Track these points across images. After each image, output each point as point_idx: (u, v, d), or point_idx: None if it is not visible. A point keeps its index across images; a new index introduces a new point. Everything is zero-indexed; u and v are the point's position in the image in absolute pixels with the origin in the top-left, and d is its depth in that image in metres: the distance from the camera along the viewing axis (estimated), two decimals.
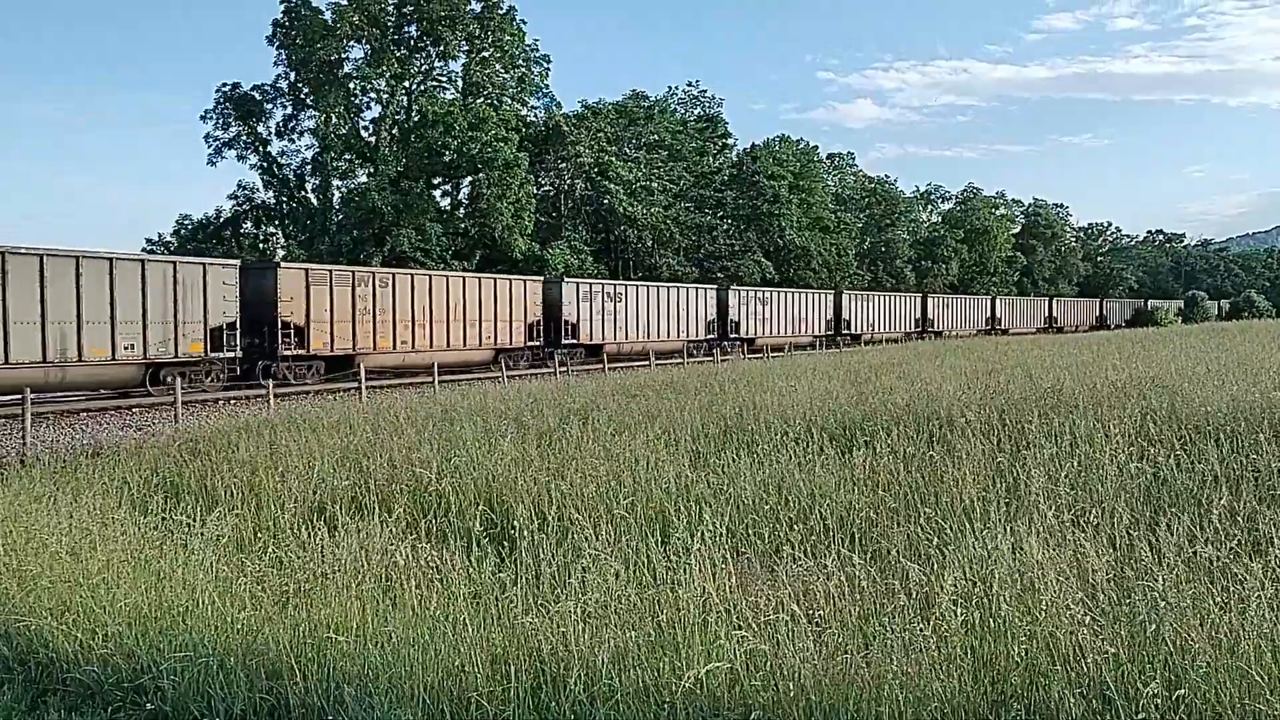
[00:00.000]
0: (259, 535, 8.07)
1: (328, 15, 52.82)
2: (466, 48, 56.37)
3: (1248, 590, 5.03)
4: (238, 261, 28.75)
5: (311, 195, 56.81)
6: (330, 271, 30.38)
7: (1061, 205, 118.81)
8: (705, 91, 77.31)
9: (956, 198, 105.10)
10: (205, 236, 54.93)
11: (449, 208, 57.06)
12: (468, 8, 54.48)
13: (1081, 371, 16.41)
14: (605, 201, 60.37)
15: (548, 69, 59.57)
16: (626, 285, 43.55)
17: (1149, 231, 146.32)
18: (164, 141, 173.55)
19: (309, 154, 56.17)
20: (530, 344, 36.64)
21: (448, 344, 32.92)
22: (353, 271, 31.51)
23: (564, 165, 60.91)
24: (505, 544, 7.43)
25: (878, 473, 8.46)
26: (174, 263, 25.83)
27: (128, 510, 9.09)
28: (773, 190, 69.97)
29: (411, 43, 55.08)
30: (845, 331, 56.00)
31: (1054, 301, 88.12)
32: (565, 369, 30.00)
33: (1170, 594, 5.05)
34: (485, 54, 56.66)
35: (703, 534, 6.55)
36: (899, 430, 10.02)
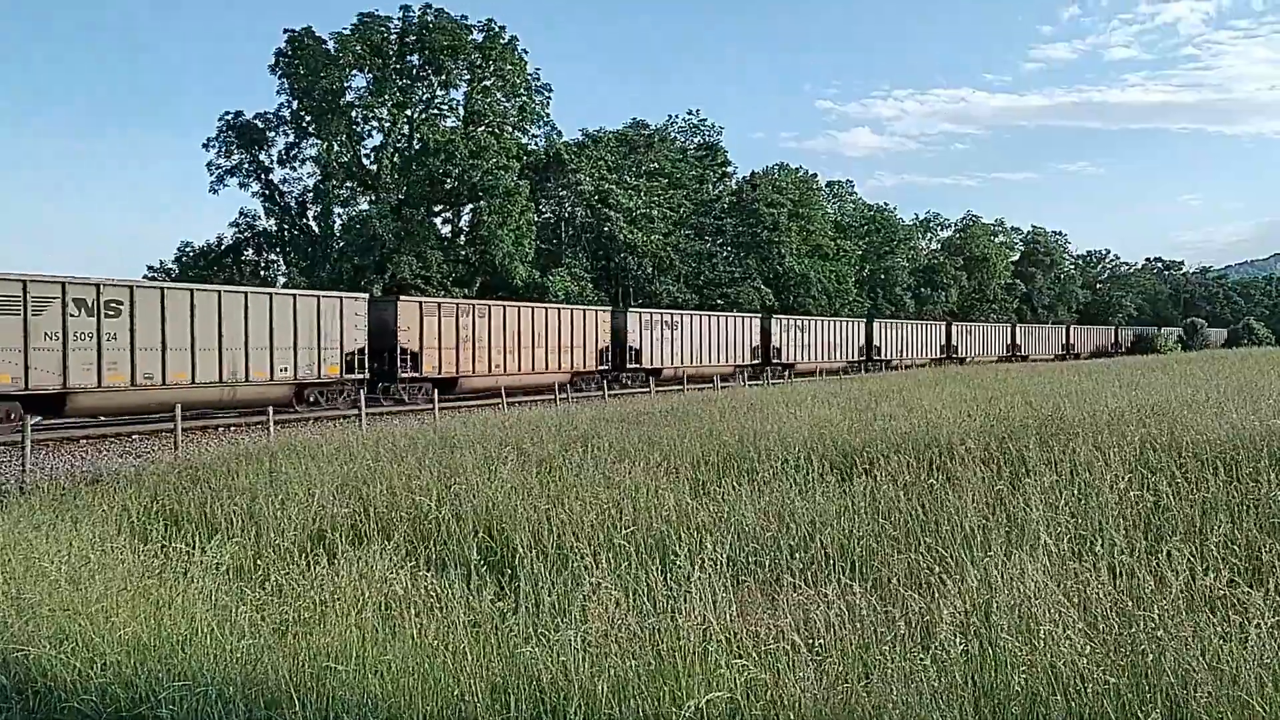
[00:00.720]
0: (259, 563, 8.06)
1: (330, 45, 53.29)
2: (468, 76, 56.82)
3: (1249, 620, 5.02)
4: (367, 295, 33.35)
5: (313, 222, 57.07)
6: (439, 304, 34.07)
7: (1060, 233, 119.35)
8: (705, 120, 77.98)
9: (955, 225, 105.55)
10: (207, 264, 55.13)
11: (450, 235, 57.29)
12: (470, 38, 54.96)
13: (1081, 399, 16.41)
14: (606, 229, 60.63)
15: (549, 98, 60.10)
16: (683, 314, 46.79)
17: (1147, 259, 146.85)
18: (165, 171, 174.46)
19: (311, 181, 56.60)
20: (600, 368, 39.99)
21: (533, 368, 36.53)
22: (456, 303, 35.07)
23: (564, 193, 61.23)
24: (505, 572, 7.42)
25: (878, 500, 8.45)
26: (317, 297, 29.61)
27: (127, 538, 9.07)
28: (772, 218, 70.27)
29: (413, 72, 55.52)
30: (877, 357, 59.88)
31: (1070, 329, 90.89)
32: (611, 391, 33.88)
33: (1171, 623, 5.04)
34: (487, 83, 57.10)
35: (703, 562, 6.55)
36: (899, 458, 10.02)
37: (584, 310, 40.46)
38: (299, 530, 9.11)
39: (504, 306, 36.55)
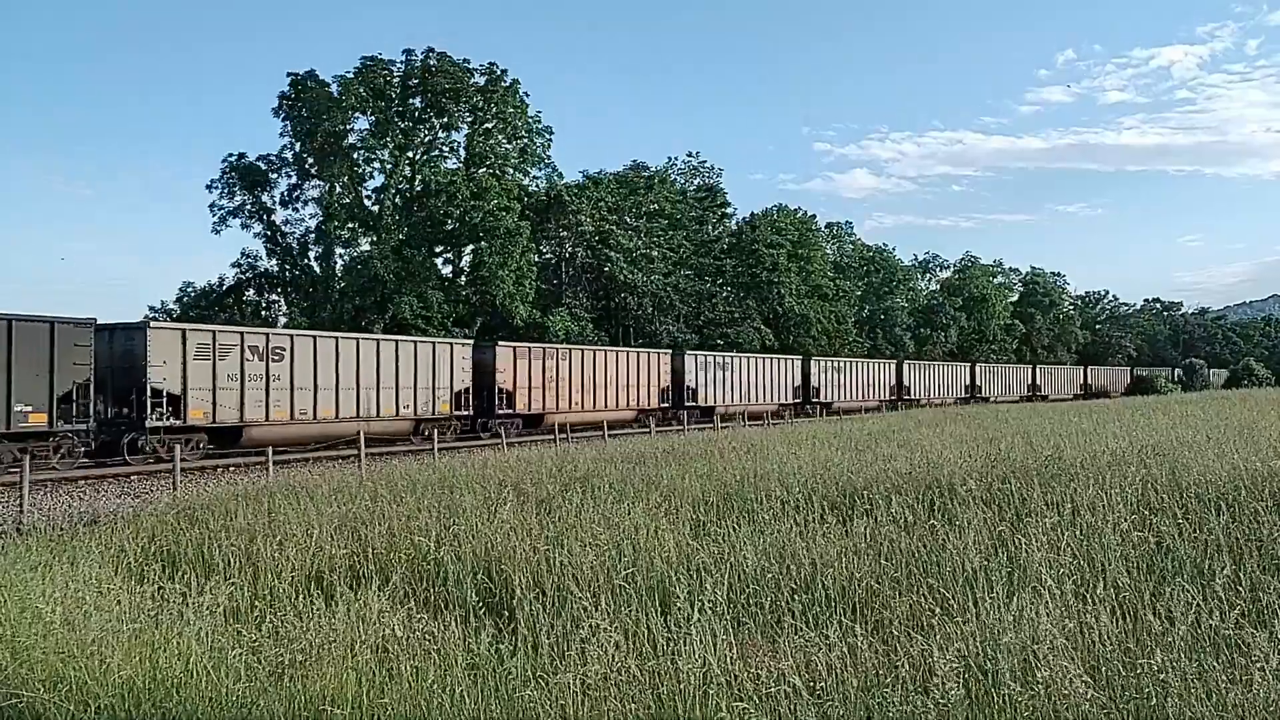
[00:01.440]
0: (256, 605, 8.00)
1: (334, 88, 53.83)
2: (470, 119, 57.32)
3: (1253, 662, 4.98)
4: (473, 342, 37.08)
5: (314, 263, 57.32)
6: (529, 348, 37.61)
7: (1058, 274, 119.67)
8: (705, 162, 78.66)
9: (954, 266, 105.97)
10: (208, 304, 55.27)
11: (451, 275, 57.50)
12: (471, 81, 55.50)
13: (1082, 439, 16.37)
14: (606, 269, 60.86)
15: (550, 140, 60.58)
16: (733, 356, 50.53)
17: (1146, 300, 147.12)
18: (166, 212, 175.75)
19: (312, 222, 56.92)
20: (663, 405, 43.94)
21: (605, 405, 39.86)
22: (544, 348, 38.59)
23: (565, 233, 61.52)
24: (504, 614, 7.37)
25: (879, 541, 8.40)
26: (433, 343, 33.66)
27: (124, 579, 9.01)
28: (772, 258, 70.58)
29: (415, 114, 56.02)
30: (907, 396, 63.25)
31: (1088, 369, 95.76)
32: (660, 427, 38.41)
33: (1175, 665, 5.00)
34: (488, 125, 57.60)
35: (703, 604, 6.50)
36: (899, 498, 9.98)
37: (649, 353, 44.55)
38: (297, 571, 9.05)
39: (582, 350, 40.36)
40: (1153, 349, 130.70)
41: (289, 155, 56.07)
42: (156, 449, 24.10)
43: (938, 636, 5.83)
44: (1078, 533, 8.04)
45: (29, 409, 21.16)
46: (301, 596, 7.76)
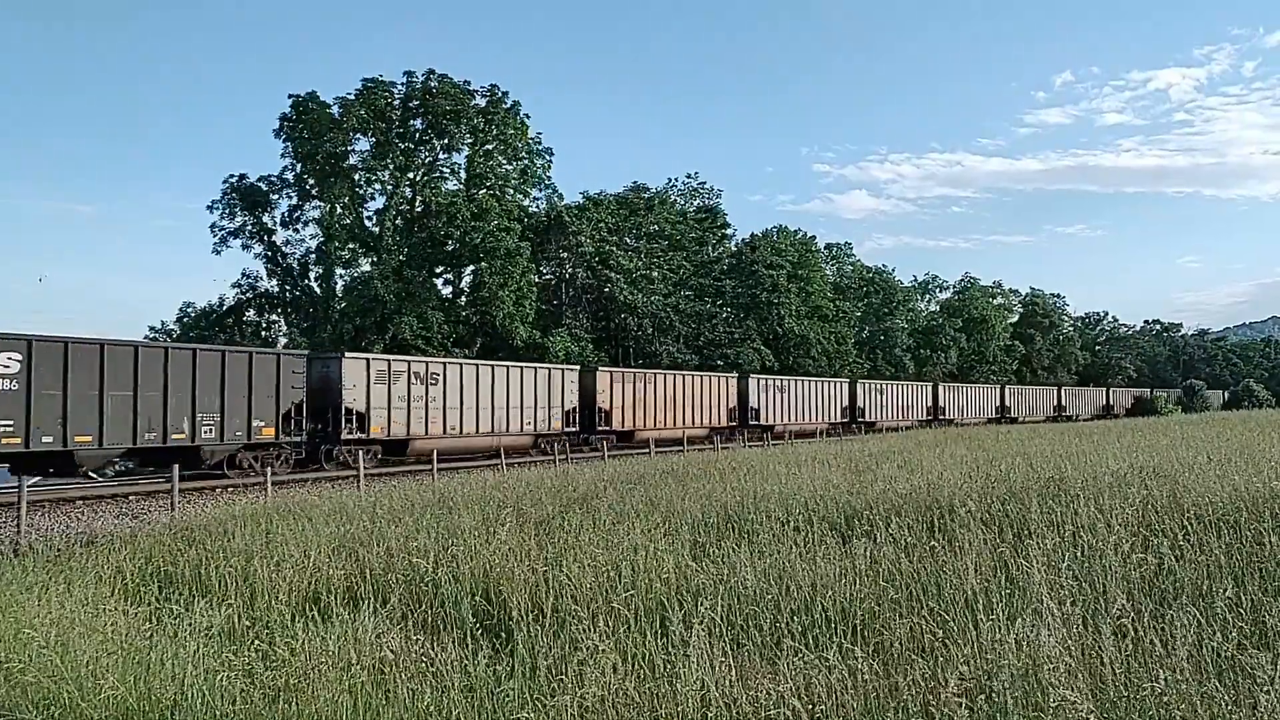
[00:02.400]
0: (252, 626, 7.94)
1: (334, 109, 54.05)
2: (470, 140, 57.50)
3: (1257, 684, 4.94)
4: (579, 367, 41.84)
5: (315, 284, 57.37)
6: (624, 372, 42.50)
7: (1058, 295, 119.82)
8: (704, 183, 78.83)
9: (954, 287, 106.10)
10: (208, 324, 55.30)
11: (451, 296, 57.56)
12: (472, 102, 55.74)
13: (1083, 460, 16.34)
14: (606, 290, 60.92)
15: (550, 161, 60.74)
16: (790, 379, 54.79)
17: (1146, 321, 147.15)
18: (165, 233, 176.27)
19: (313, 243, 56.97)
20: (730, 424, 47.77)
21: (682, 423, 44.29)
22: (634, 372, 43.33)
23: (565, 254, 61.62)
24: (501, 635, 7.32)
25: (879, 563, 8.36)
26: (549, 369, 38.54)
27: (119, 600, 8.96)
28: (771, 279, 70.67)
29: (416, 135, 56.21)
30: (942, 416, 68.04)
31: (1110, 392, 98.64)
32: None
33: (1180, 687, 4.96)
34: (489, 146, 57.79)
35: (702, 626, 6.45)
36: (899, 520, 9.93)
37: (720, 377, 49.02)
38: (293, 592, 9.00)
39: (666, 375, 44.94)
40: (1153, 370, 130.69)
41: (290, 176, 56.24)
42: (345, 459, 28.51)
43: (939, 658, 5.78)
44: (1079, 554, 8.00)
45: (262, 424, 26.53)
46: (298, 618, 7.71)
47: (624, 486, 15.88)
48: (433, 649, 6.74)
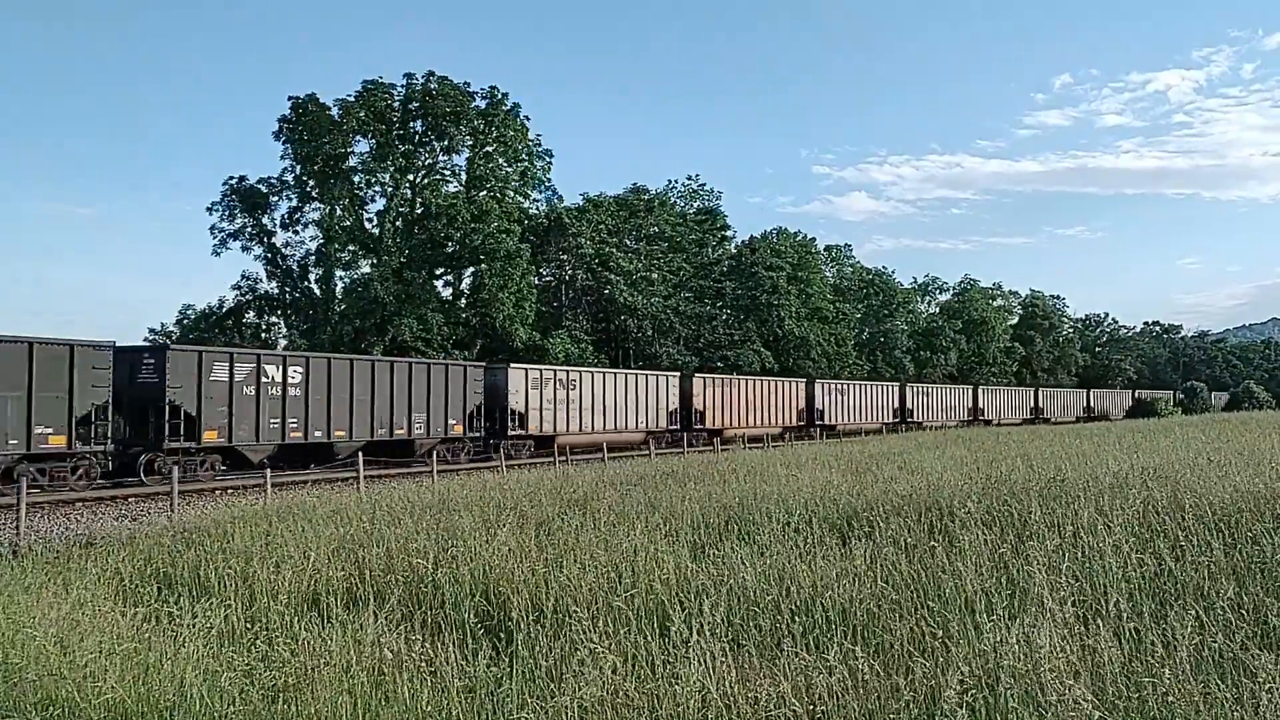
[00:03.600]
0: (251, 627, 7.93)
1: (334, 111, 54.07)
2: (470, 142, 57.52)
3: (1259, 685, 4.93)
4: (679, 372, 47.35)
5: (314, 285, 57.39)
6: (715, 378, 48.24)
7: (1058, 296, 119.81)
8: (704, 185, 78.86)
9: (954, 289, 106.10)
10: (208, 326, 55.30)
11: (451, 297, 57.57)
12: (472, 104, 55.76)
13: (1082, 461, 16.33)
14: (606, 291, 60.94)
15: (550, 163, 60.77)
16: (850, 384, 61.50)
17: (1146, 323, 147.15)
18: (164, 235, 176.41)
19: (313, 245, 57.02)
20: (799, 424, 53.43)
21: (761, 422, 50.04)
22: (725, 377, 49.11)
23: (565, 256, 61.65)
24: (501, 636, 7.31)
25: (878, 562, 8.34)
26: (659, 375, 44.33)
27: (117, 601, 8.95)
28: (771, 281, 70.69)
29: (416, 137, 56.23)
30: (982, 416, 73.23)
31: (1135, 393, 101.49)
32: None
33: (1181, 689, 4.94)
34: (489, 148, 57.80)
35: (701, 626, 6.44)
36: (899, 520, 9.93)
37: (792, 381, 55.28)
38: (292, 593, 8.99)
39: (744, 379, 50.89)
40: (1153, 372, 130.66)
41: (289, 178, 56.27)
42: (509, 452, 34.31)
43: (940, 659, 5.77)
44: (1079, 554, 7.99)
45: (454, 423, 33.12)
46: (297, 619, 7.70)
47: (624, 488, 15.87)
48: (432, 650, 6.73)
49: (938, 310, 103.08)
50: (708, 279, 70.30)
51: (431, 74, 55.37)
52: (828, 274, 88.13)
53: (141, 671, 6.45)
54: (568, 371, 39.03)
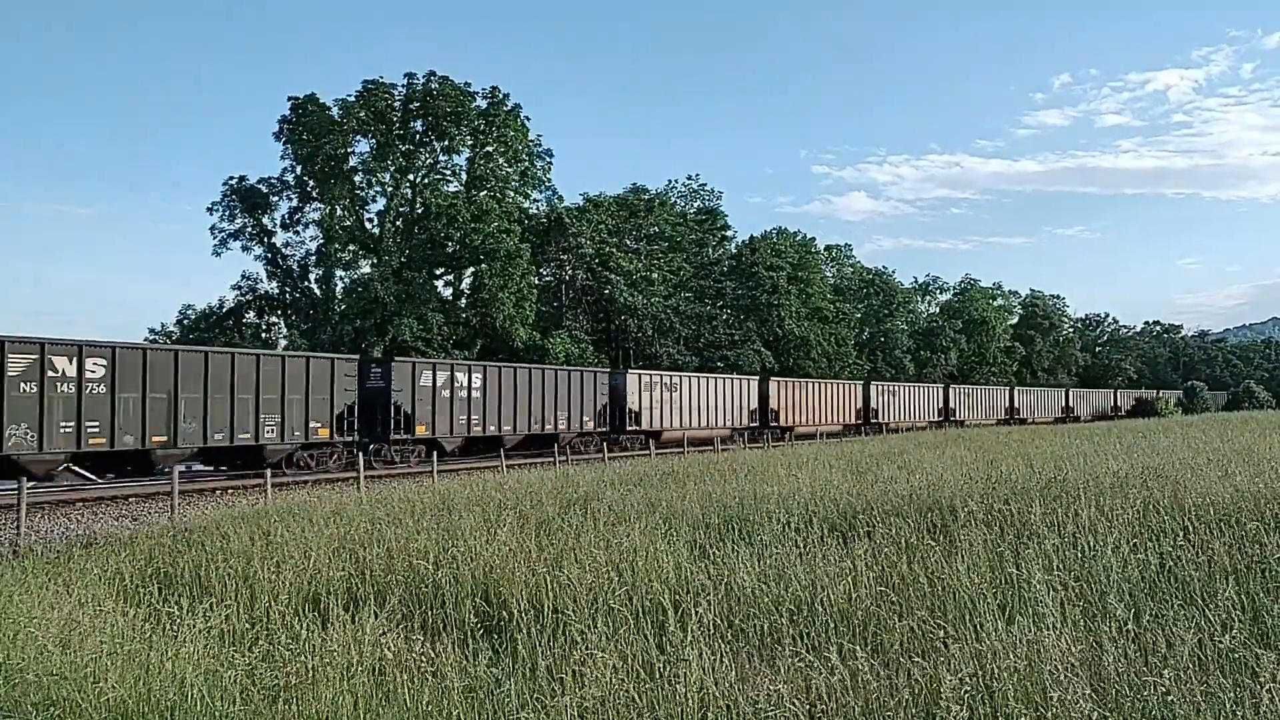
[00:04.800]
0: (252, 627, 7.94)
1: (335, 111, 54.06)
2: (471, 142, 57.50)
3: (1259, 683, 4.93)
4: (758, 376, 51.95)
5: (315, 285, 57.37)
6: (787, 381, 53.48)
7: (1058, 296, 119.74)
8: (705, 185, 78.84)
9: (954, 289, 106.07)
10: (208, 326, 55.29)
11: (451, 297, 57.55)
12: (473, 104, 55.75)
13: (1083, 462, 16.33)
14: (606, 291, 60.93)
15: (550, 163, 60.73)
16: (902, 385, 66.96)
17: (1146, 322, 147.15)
18: (164, 235, 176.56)
19: (313, 245, 56.97)
20: (857, 422, 57.77)
21: (825, 420, 54.91)
22: (796, 380, 54.75)
23: (565, 256, 61.60)
24: (501, 636, 7.31)
25: (879, 561, 8.35)
26: (743, 379, 49.15)
27: (118, 601, 8.95)
28: (771, 281, 70.67)
29: (416, 137, 56.21)
30: (1018, 415, 77.05)
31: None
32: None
33: (1181, 688, 4.95)
34: (489, 148, 57.78)
35: (701, 627, 6.44)
36: (900, 520, 9.93)
37: (851, 384, 60.48)
38: (293, 594, 8.99)
39: (813, 383, 56.20)
40: (1153, 371, 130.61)
41: (290, 178, 56.26)
42: (626, 445, 39.47)
43: (940, 658, 5.77)
44: (1079, 554, 7.99)
45: (588, 419, 38.50)
46: (298, 619, 7.70)
47: (624, 488, 15.87)
48: (433, 650, 6.73)
49: (938, 310, 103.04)
50: (708, 279, 70.28)
51: (432, 74, 55.39)
52: (828, 274, 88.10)
53: (142, 671, 6.46)
54: (671, 376, 44.61)
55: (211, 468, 27.62)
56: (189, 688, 6.13)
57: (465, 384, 32.77)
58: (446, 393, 31.87)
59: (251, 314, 58.61)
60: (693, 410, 44.54)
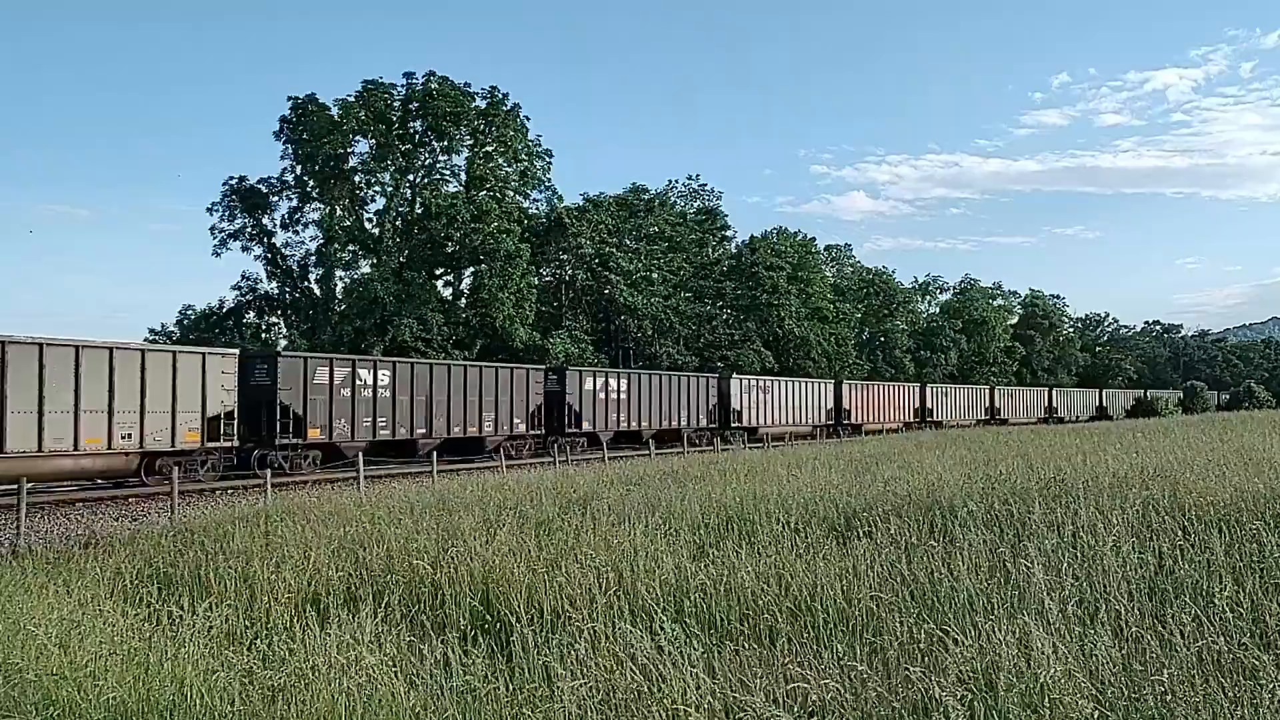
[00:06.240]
0: (251, 627, 7.94)
1: (334, 111, 54.07)
2: (470, 142, 57.56)
3: (1259, 685, 4.93)
4: (834, 380, 59.56)
5: (314, 285, 57.41)
6: (856, 384, 60.72)
7: (1058, 296, 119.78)
8: (704, 185, 78.91)
9: (954, 289, 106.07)
10: (208, 326, 55.30)
11: (450, 297, 57.57)
12: (472, 104, 55.77)
13: (1083, 461, 16.32)
14: (606, 291, 60.95)
15: (550, 163, 60.81)
16: (949, 387, 71.64)
17: (1146, 322, 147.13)
18: (164, 235, 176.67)
19: (313, 245, 57.03)
20: (913, 420, 63.41)
21: (888, 418, 59.98)
22: (866, 383, 62.42)
23: (565, 256, 61.64)
24: (500, 636, 7.31)
25: (878, 562, 8.34)
26: (819, 382, 56.16)
27: (118, 601, 8.95)
28: (771, 281, 70.69)
29: (416, 137, 56.25)
30: (1054, 414, 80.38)
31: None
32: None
33: (1180, 689, 4.94)
34: (489, 148, 57.83)
35: (700, 627, 6.44)
36: (899, 520, 9.93)
37: (909, 385, 67.57)
38: (292, 594, 8.99)
39: (877, 384, 63.51)
40: (1153, 371, 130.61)
41: (290, 178, 56.32)
42: (730, 438, 44.20)
43: (938, 659, 5.77)
44: (1079, 554, 7.99)
45: (701, 417, 45.22)
46: (297, 619, 7.70)
47: (624, 488, 15.86)
48: (432, 650, 6.73)
49: (938, 310, 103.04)
50: (708, 279, 70.30)
51: (432, 74, 55.45)
52: (828, 274, 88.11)
53: (142, 672, 6.45)
54: (765, 380, 51.61)
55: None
56: (188, 688, 6.13)
57: (615, 388, 40.55)
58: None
59: (251, 314, 58.64)
60: (781, 409, 50.68)
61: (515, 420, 35.33)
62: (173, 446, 24.13)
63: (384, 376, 29.65)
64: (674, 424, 43.15)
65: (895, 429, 58.43)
